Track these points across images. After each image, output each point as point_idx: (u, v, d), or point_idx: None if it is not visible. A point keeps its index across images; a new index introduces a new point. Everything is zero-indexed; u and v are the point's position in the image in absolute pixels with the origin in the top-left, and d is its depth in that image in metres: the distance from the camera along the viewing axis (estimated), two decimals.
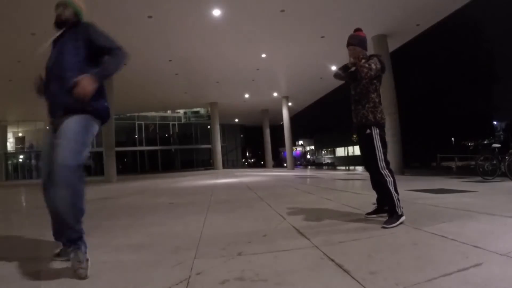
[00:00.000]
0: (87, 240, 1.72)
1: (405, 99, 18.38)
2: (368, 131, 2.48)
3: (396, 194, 2.43)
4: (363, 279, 1.35)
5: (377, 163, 2.46)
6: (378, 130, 2.50)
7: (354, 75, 2.59)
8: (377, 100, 2.54)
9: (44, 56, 1.88)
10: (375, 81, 2.54)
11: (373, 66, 2.43)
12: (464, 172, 9.98)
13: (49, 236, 1.86)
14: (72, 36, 1.79)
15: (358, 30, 2.66)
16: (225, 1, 8.13)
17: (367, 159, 2.58)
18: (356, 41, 2.57)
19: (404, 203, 3.43)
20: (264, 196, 4.67)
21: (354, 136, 2.76)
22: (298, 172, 15.32)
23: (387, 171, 2.47)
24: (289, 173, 13.78)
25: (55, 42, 1.85)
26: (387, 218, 2.42)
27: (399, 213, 2.38)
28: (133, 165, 28.85)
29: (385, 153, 2.49)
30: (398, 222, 2.32)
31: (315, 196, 4.50)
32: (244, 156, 41.45)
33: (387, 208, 2.47)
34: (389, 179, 2.44)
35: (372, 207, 2.76)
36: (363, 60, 2.43)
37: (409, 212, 2.86)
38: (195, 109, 31.83)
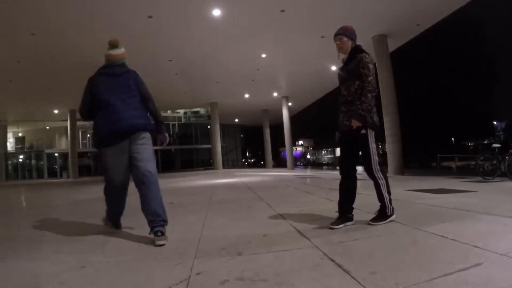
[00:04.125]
0: (86, 239, 1.72)
1: (405, 99, 18.38)
2: (364, 131, 2.37)
3: (388, 196, 2.43)
4: (363, 279, 1.35)
5: (371, 166, 2.39)
6: (373, 133, 2.42)
7: (349, 75, 2.47)
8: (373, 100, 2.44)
9: None
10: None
11: (372, 79, 2.35)
12: (464, 172, 9.98)
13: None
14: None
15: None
16: (225, 1, 8.13)
17: (352, 161, 2.49)
18: (342, 31, 2.52)
19: (404, 203, 3.45)
20: (264, 196, 4.68)
21: (337, 135, 2.59)
22: (298, 172, 15.32)
23: (381, 173, 2.42)
24: (289, 173, 13.77)
25: None
26: (376, 215, 2.45)
27: (389, 213, 2.42)
28: None
29: (378, 155, 2.45)
30: (386, 221, 2.36)
31: (315, 196, 4.50)
32: (244, 156, 41.45)
33: (351, 215, 2.44)
34: (382, 182, 2.41)
35: (336, 216, 2.48)
36: (370, 77, 2.35)
37: (409, 212, 2.86)
38: (195, 109, 31.83)
